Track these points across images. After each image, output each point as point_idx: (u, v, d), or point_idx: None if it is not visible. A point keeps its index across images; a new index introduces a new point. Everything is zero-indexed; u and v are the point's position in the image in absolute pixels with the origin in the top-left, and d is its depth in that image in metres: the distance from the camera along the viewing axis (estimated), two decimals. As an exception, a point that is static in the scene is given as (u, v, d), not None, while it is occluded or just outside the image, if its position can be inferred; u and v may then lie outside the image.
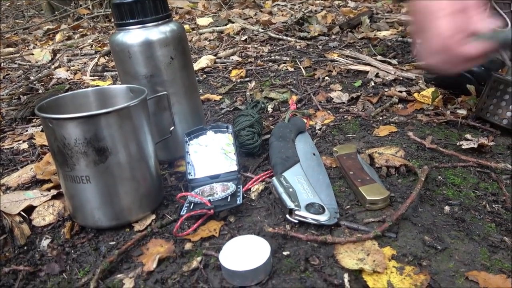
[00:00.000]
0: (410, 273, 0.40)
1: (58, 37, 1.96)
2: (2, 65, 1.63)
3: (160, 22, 0.62)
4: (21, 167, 0.75)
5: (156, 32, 0.61)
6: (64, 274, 0.46)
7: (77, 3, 2.53)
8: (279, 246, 0.46)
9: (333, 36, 1.53)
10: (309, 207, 0.49)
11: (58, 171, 0.52)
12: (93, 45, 1.75)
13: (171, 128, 0.64)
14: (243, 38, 1.59)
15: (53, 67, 1.51)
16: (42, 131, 0.93)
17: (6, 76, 1.50)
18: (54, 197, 0.60)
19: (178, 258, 0.47)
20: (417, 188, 0.51)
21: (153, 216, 0.55)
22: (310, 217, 0.48)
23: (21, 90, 1.25)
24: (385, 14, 1.69)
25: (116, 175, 0.50)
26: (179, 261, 0.46)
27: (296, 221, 0.49)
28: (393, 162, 0.59)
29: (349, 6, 2.00)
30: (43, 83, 1.33)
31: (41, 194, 0.61)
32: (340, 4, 2.07)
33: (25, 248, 0.51)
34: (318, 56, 1.27)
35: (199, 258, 0.45)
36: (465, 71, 0.83)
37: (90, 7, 2.40)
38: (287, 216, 0.49)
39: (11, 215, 0.56)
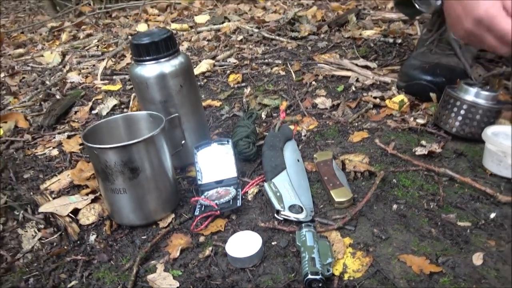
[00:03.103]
0: (359, 256, 0.56)
1: (64, 37, 2.08)
2: (16, 68, 1.76)
3: (171, 57, 0.76)
4: (58, 173, 0.91)
5: (168, 66, 0.76)
6: (111, 261, 0.63)
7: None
8: (269, 237, 0.63)
9: (322, 35, 1.65)
10: (291, 208, 0.65)
11: (100, 184, 0.67)
12: (99, 46, 1.88)
13: (182, 142, 0.80)
14: (239, 38, 1.71)
15: (64, 70, 1.64)
16: (68, 138, 1.08)
17: (22, 80, 1.64)
18: (93, 201, 0.76)
19: (195, 248, 0.63)
20: (371, 190, 0.67)
21: (173, 215, 0.71)
22: (292, 216, 0.64)
23: (40, 96, 1.39)
24: (371, 11, 1.81)
25: (145, 187, 0.66)
26: (195, 250, 0.63)
27: (282, 219, 0.65)
28: (359, 168, 0.75)
29: (338, 0, 2.11)
30: (58, 88, 1.47)
31: (82, 199, 0.77)
32: (331, -3, 2.18)
33: (78, 242, 0.68)
34: (307, 58, 1.41)
35: (210, 248, 0.62)
36: (428, 81, 0.97)
37: (91, 2, 2.49)
38: (275, 215, 0.66)
39: (62, 217, 0.73)
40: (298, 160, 0.81)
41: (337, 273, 0.54)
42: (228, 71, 1.39)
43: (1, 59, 1.92)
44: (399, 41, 1.46)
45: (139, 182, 0.65)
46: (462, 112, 0.81)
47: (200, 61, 1.48)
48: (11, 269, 0.64)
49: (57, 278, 0.61)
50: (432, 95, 0.97)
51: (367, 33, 1.58)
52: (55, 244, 0.68)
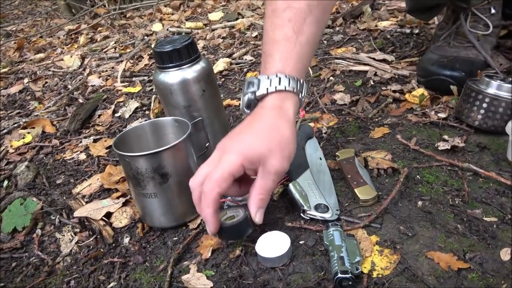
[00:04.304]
0: (387, 254, 0.58)
1: (81, 39, 2.12)
2: (38, 73, 1.81)
3: (193, 63, 0.78)
4: (88, 177, 0.94)
5: (190, 72, 0.77)
6: (146, 263, 0.66)
7: (92, 1, 2.66)
8: (296, 236, 0.65)
9: (337, 28, 1.65)
10: (317, 207, 0.67)
11: (132, 189, 0.70)
12: (117, 48, 1.91)
13: (207, 144, 0.82)
14: (254, 34, 1.72)
15: (85, 73, 1.68)
16: (94, 142, 1.12)
17: (45, 85, 1.69)
18: (124, 204, 0.79)
19: (225, 248, 0.65)
20: (396, 188, 0.67)
21: (201, 216, 0.73)
22: (318, 215, 0.66)
23: (64, 101, 1.43)
24: (386, 1, 1.78)
25: (174, 191, 0.68)
26: (226, 251, 0.65)
27: (308, 218, 0.67)
28: (382, 165, 0.75)
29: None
30: (80, 92, 1.51)
31: (114, 202, 0.80)
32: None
33: (113, 245, 0.71)
34: (323, 53, 1.41)
35: (240, 248, 0.64)
36: (447, 76, 0.97)
37: (106, 4, 2.53)
38: (301, 214, 0.67)
39: (96, 220, 0.76)
40: (321, 159, 0.82)
41: (365, 271, 0.55)
42: (245, 69, 1.41)
43: (24, 64, 1.97)
44: (416, 31, 1.44)
45: (169, 186, 0.68)
46: (485, 105, 0.80)
47: (216, 60, 1.50)
48: (53, 272, 0.68)
49: (97, 279, 0.64)
50: (453, 88, 0.96)
51: (383, 24, 1.57)
52: (91, 247, 0.72)
